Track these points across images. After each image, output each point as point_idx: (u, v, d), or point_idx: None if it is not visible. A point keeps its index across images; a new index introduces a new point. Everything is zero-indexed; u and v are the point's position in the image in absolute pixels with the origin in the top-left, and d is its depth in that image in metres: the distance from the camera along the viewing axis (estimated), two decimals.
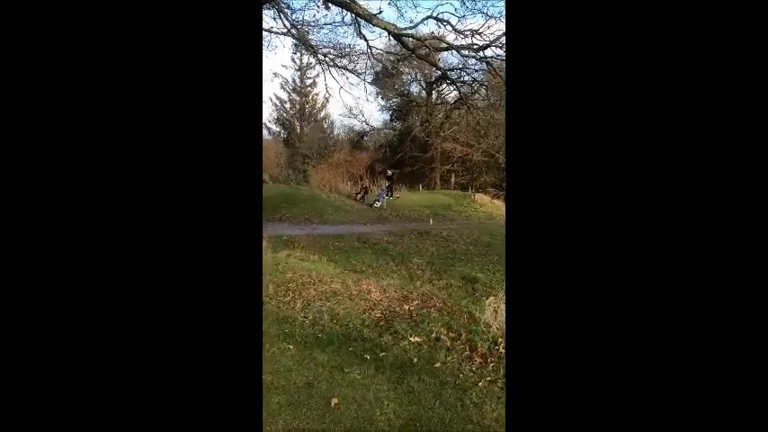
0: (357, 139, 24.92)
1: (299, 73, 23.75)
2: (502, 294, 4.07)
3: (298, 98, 24.53)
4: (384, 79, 20.76)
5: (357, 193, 15.01)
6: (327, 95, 25.86)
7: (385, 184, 15.23)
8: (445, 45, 6.77)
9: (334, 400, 2.55)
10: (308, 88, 24.14)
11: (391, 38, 6.39)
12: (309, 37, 8.16)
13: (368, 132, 24.68)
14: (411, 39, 6.30)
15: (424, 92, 23.00)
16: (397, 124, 23.88)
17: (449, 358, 3.12)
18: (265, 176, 17.40)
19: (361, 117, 26.12)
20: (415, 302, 4.48)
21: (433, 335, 3.48)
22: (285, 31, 7.23)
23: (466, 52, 6.48)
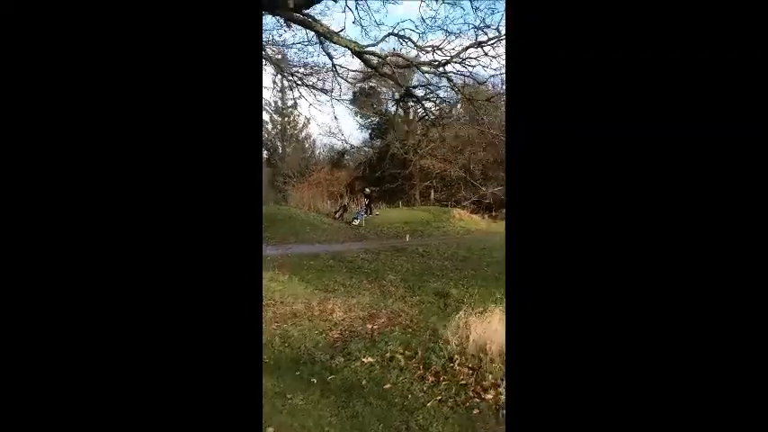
0: (337, 158, 24.96)
1: (280, 94, 23.87)
2: (472, 309, 3.99)
3: (279, 119, 24.56)
4: (361, 98, 20.94)
5: (336, 212, 14.93)
6: (308, 116, 25.96)
7: (364, 202, 15.19)
8: (405, 62, 6.83)
9: (270, 429, 2.38)
10: (290, 109, 24.23)
11: (355, 56, 6.41)
12: (277, 57, 8.16)
13: (348, 151, 24.78)
14: (374, 56, 6.34)
15: (401, 110, 23.28)
16: (377, 142, 24.04)
17: (400, 378, 2.99)
18: None
19: (340, 136, 26.26)
20: (381, 320, 4.34)
21: (388, 354, 3.35)
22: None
23: (427, 68, 6.53)
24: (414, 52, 7.00)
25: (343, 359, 3.30)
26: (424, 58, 6.58)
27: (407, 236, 11.79)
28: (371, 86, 19.63)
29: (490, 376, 2.88)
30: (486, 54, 6.07)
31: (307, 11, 5.79)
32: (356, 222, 13.46)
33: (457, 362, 3.16)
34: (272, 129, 24.30)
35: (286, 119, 24.40)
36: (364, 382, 2.94)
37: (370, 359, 3.28)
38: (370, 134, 25.09)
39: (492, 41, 5.91)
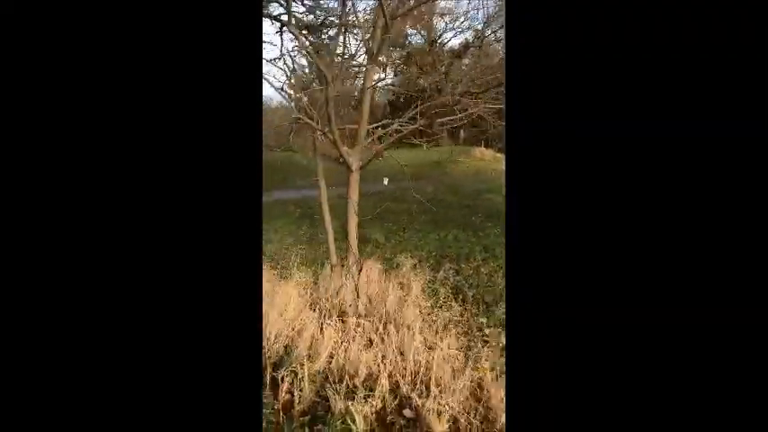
0: (358, 98, 24.12)
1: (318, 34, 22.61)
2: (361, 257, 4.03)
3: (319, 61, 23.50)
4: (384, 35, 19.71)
5: (339, 157, 14.54)
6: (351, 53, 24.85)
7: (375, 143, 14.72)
8: None
9: None
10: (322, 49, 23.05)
11: None
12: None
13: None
14: None
15: (425, 43, 21.81)
16: (399, 79, 22.91)
17: None
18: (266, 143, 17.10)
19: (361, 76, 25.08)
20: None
21: None
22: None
23: None
24: None
25: None
26: None
27: (385, 180, 11.36)
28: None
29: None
30: None
31: None
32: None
33: None
34: (310, 73, 23.35)
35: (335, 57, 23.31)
36: None
37: None
38: (394, 71, 23.88)
39: None
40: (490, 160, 14.65)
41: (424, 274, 4.05)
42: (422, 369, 2.44)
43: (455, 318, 3.25)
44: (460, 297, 3.68)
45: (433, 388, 2.24)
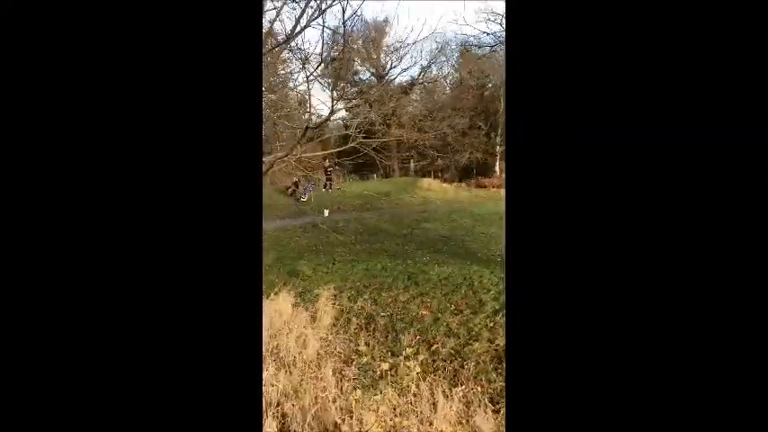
0: (312, 133, 24.34)
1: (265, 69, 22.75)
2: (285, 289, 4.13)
3: (272, 96, 23.55)
4: (332, 68, 20.23)
5: (288, 188, 14.58)
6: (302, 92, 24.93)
7: (323, 176, 14.84)
8: None
9: None
10: (279, 86, 23.17)
11: None
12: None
13: (316, 124, 24.09)
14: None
15: (375, 78, 22.58)
16: (350, 114, 23.42)
17: None
18: None
19: (312, 110, 25.45)
20: None
21: None
22: None
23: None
24: None
25: None
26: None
27: (326, 211, 11.52)
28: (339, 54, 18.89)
29: None
30: None
31: None
32: (303, 198, 13.17)
33: None
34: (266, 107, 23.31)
35: (272, 96, 23.41)
36: None
37: None
38: (344, 105, 24.42)
39: None
40: (437, 190, 15.08)
41: (340, 304, 4.05)
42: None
43: (358, 347, 3.26)
44: (372, 326, 3.70)
45: None
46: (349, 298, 4.37)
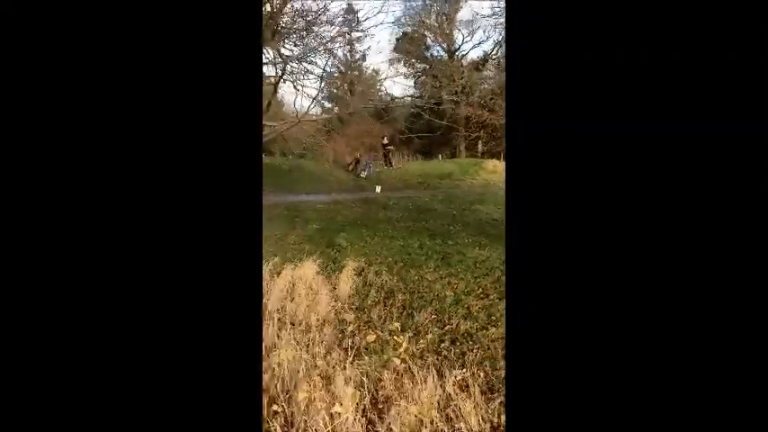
0: (381, 110, 24.33)
1: (348, 47, 23.06)
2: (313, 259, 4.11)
3: (348, 72, 23.94)
4: (404, 44, 19.87)
5: (349, 164, 14.75)
6: (376, 69, 24.86)
7: (383, 153, 14.79)
8: None
9: None
10: (358, 62, 23.45)
11: None
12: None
13: (389, 103, 23.95)
14: None
15: (444, 54, 21.84)
16: (420, 91, 22.97)
17: None
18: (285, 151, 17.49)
19: (382, 87, 25.30)
20: None
21: None
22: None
23: None
24: None
25: None
26: None
27: (378, 188, 11.29)
28: (414, 30, 18.51)
29: None
30: None
31: None
32: (363, 175, 13.22)
33: None
34: (341, 83, 23.74)
35: (355, 72, 23.69)
36: None
37: None
38: (414, 83, 24.00)
39: None
40: (501, 173, 14.41)
41: (365, 277, 4.05)
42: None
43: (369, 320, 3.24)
44: (390, 301, 3.66)
45: None
46: (376, 272, 4.35)
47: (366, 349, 2.62)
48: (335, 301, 3.51)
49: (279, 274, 3.91)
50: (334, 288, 3.75)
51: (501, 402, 2.27)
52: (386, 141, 15.42)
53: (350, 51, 23.40)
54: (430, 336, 3.02)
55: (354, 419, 1.91)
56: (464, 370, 2.62)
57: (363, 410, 2.10)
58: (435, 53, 22.65)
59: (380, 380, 2.24)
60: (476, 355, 2.77)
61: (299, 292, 3.50)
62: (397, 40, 18.86)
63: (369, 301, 3.57)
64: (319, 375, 2.26)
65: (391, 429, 1.95)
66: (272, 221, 7.36)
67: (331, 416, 1.95)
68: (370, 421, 2.05)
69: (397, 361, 2.38)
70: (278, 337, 2.76)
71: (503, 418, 2.19)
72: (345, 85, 23.79)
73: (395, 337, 2.63)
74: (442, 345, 2.91)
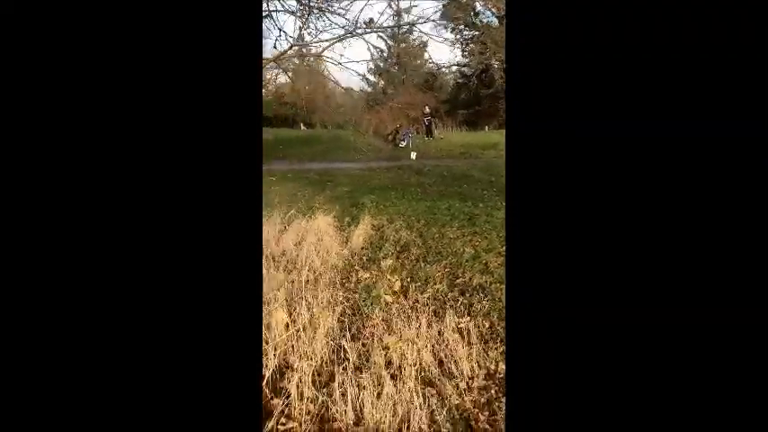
0: (425, 80, 23.63)
1: (395, 19, 22.52)
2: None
3: (394, 45, 23.48)
4: (453, 10, 19.02)
5: (389, 134, 14.51)
6: (424, 41, 24.07)
7: (423, 123, 14.35)
8: None
9: None
10: (405, 34, 22.92)
11: None
12: None
13: (435, 72, 23.16)
14: None
15: (495, 20, 20.65)
16: (468, 60, 22.00)
17: None
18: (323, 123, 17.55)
19: (429, 56, 24.36)
20: None
21: None
22: None
23: None
24: None
25: None
26: None
27: (413, 154, 11.08)
28: None
29: None
30: None
31: None
32: (402, 145, 12.98)
33: None
34: (389, 56, 23.31)
35: (402, 45, 23.19)
36: None
37: None
38: (462, 51, 22.99)
39: None
40: None
41: (381, 232, 3.92)
42: None
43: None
44: (404, 254, 3.52)
45: None
46: (395, 229, 4.21)
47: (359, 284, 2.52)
48: (345, 251, 3.42)
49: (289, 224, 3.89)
50: (347, 242, 3.66)
51: (501, 352, 2.15)
52: (427, 110, 14.97)
53: (397, 23, 22.67)
54: (438, 286, 2.86)
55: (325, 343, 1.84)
56: (468, 318, 2.47)
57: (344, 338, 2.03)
58: (485, 19, 21.49)
59: (369, 317, 2.14)
60: (484, 306, 2.60)
61: (308, 240, 3.45)
62: (444, 6, 18.05)
63: (381, 254, 3.45)
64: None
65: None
66: (302, 185, 7.42)
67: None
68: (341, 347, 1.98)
69: (389, 298, 2.25)
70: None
71: (501, 365, 2.07)
72: (392, 58, 23.31)
73: (388, 276, 2.49)
74: (450, 294, 2.75)
